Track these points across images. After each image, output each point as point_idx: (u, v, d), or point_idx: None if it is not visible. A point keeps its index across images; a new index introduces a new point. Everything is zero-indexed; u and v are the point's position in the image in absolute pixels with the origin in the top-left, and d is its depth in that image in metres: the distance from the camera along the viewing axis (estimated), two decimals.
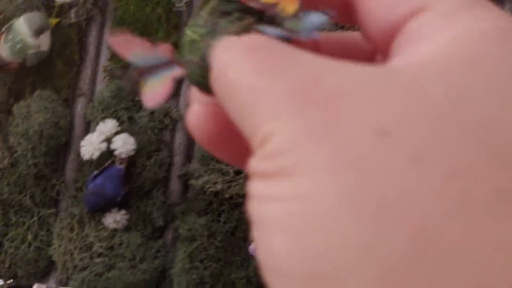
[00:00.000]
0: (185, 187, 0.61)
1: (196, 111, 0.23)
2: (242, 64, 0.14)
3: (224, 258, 0.57)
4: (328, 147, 0.12)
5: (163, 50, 0.27)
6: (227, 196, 0.57)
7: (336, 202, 0.11)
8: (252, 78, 0.14)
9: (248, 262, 0.57)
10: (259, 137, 0.13)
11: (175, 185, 0.61)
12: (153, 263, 0.58)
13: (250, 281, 0.58)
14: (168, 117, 0.61)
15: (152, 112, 0.61)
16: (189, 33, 0.30)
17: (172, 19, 0.62)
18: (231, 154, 0.24)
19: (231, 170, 0.58)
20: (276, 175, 0.13)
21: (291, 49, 0.15)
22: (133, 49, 0.29)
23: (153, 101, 0.25)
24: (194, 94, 0.22)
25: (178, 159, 0.61)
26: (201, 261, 0.56)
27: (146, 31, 0.62)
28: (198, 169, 0.59)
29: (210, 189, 0.57)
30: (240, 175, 0.58)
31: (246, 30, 0.18)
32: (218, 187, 0.57)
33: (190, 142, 0.62)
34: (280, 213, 0.12)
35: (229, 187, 0.57)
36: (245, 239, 0.58)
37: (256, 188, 0.13)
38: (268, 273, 0.13)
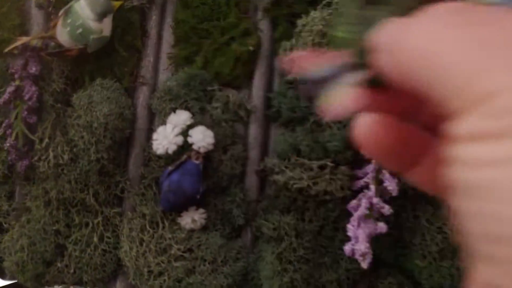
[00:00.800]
0: (262, 183, 0.57)
1: (367, 122, 0.22)
2: (437, 28, 0.15)
3: (313, 260, 0.54)
4: None
5: (338, 58, 0.24)
6: (313, 193, 0.54)
7: None
8: (454, 36, 0.14)
9: (338, 263, 0.54)
10: (474, 96, 0.13)
11: (251, 180, 0.57)
12: (236, 265, 0.54)
13: (340, 285, 0.55)
14: (243, 108, 0.57)
15: (226, 103, 0.57)
16: (338, 34, 0.27)
17: (242, 3, 0.58)
18: (399, 163, 0.22)
19: (314, 166, 0.54)
20: (499, 136, 0.13)
21: (488, 7, 0.15)
22: (310, 63, 0.25)
23: (338, 112, 0.22)
24: (358, 107, 0.20)
25: (254, 153, 0.57)
26: (291, 262, 0.53)
27: (213, 16, 0.58)
28: (278, 164, 0.55)
29: (295, 186, 0.54)
30: (325, 170, 0.54)
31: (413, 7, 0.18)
32: (304, 183, 0.53)
33: (265, 135, 0.58)
34: (506, 177, 0.12)
35: (315, 183, 0.54)
36: (333, 239, 0.55)
37: (467, 152, 0.13)
38: (488, 240, 0.13)
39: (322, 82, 0.24)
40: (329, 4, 0.56)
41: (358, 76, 0.22)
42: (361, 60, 0.22)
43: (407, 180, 0.25)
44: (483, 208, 0.13)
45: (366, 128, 0.22)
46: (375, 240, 0.54)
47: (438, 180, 0.22)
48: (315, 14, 0.55)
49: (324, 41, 0.54)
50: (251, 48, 0.56)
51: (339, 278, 0.54)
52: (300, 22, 0.56)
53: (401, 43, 0.17)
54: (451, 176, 0.15)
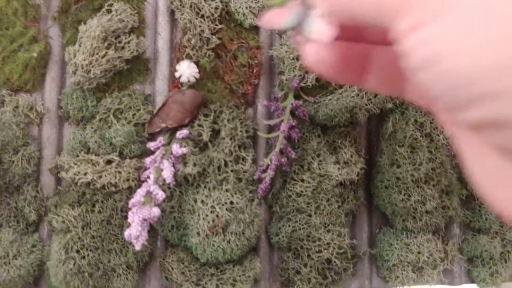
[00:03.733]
0: (58, 180, 0.61)
1: (314, 48, 0.29)
2: None
3: (102, 247, 0.58)
4: None
5: (299, 5, 0.36)
6: (99, 186, 0.58)
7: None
8: None
9: (127, 248, 0.59)
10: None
11: (47, 179, 0.61)
12: (29, 258, 0.58)
13: (130, 266, 0.60)
14: (34, 111, 0.61)
15: (16, 107, 0.60)
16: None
17: (29, 13, 0.61)
18: (351, 76, 0.30)
19: (101, 160, 0.59)
20: (433, 18, 0.18)
21: None
22: (282, 17, 0.37)
23: (324, 34, 0.31)
24: (301, 40, 0.27)
25: (47, 152, 0.61)
26: (78, 251, 0.57)
27: (2, 24, 0.61)
28: (67, 161, 0.59)
29: (80, 180, 0.58)
30: (112, 164, 0.59)
31: None
32: (89, 177, 0.58)
33: (60, 135, 0.62)
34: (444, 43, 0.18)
35: (100, 177, 0.59)
36: (121, 227, 0.59)
37: (412, 40, 0.19)
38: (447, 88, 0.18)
39: (297, 25, 0.35)
40: (108, 11, 0.61)
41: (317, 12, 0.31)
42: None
43: (366, 89, 0.33)
44: (438, 71, 0.18)
45: (315, 53, 0.28)
46: (161, 224, 0.60)
47: (388, 80, 0.29)
48: (93, 21, 0.59)
49: (102, 45, 0.59)
50: (34, 54, 0.60)
51: (128, 261, 0.59)
52: (81, 28, 0.60)
53: None
54: (406, 63, 0.20)
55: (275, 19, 0.34)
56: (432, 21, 0.18)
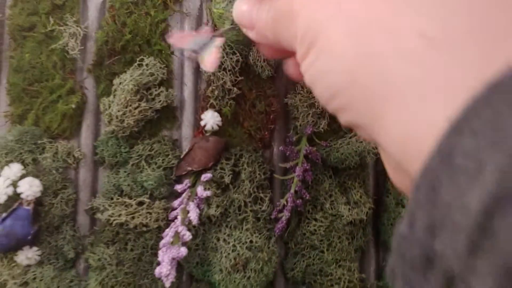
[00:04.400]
0: (93, 220, 0.67)
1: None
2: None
3: (134, 282, 0.64)
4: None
5: (206, 32, 0.50)
6: (131, 226, 0.64)
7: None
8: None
9: (156, 283, 0.65)
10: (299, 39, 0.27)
11: (83, 219, 0.67)
12: None
13: None
14: (72, 156, 0.67)
15: (55, 153, 0.66)
16: (215, 10, 0.55)
17: (67, 66, 0.67)
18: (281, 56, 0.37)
19: (133, 203, 0.65)
20: (307, 51, 0.26)
21: None
22: (186, 40, 0.51)
23: (211, 65, 0.46)
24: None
25: (83, 194, 0.67)
26: (112, 287, 0.63)
27: (43, 77, 0.67)
28: (103, 203, 0.65)
29: (115, 221, 0.64)
30: (143, 206, 0.65)
31: None
32: (123, 218, 0.64)
33: (94, 178, 0.68)
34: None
35: (133, 218, 0.64)
36: (152, 263, 0.65)
37: (305, 65, 0.27)
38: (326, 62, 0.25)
39: (198, 49, 0.52)
40: (140, 65, 0.67)
41: (219, 42, 0.44)
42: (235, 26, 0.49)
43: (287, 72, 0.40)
44: (315, 91, 0.27)
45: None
46: (186, 260, 0.66)
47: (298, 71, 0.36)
48: (126, 75, 0.65)
49: (135, 98, 0.65)
50: (73, 105, 0.66)
51: None
52: (115, 81, 0.66)
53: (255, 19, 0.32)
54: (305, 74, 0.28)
55: (182, 40, 0.47)
56: (306, 54, 0.26)
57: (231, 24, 0.60)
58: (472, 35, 0.20)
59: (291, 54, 0.34)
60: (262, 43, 0.35)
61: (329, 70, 0.24)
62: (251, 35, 0.34)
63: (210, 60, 0.44)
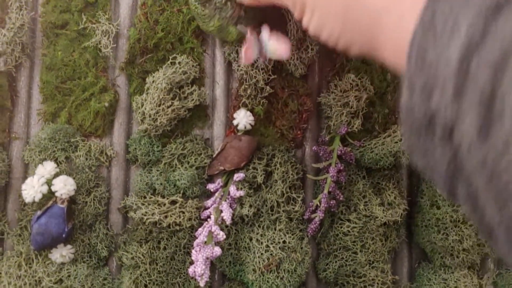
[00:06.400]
0: (125, 218, 0.67)
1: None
2: None
3: (167, 281, 0.64)
4: None
5: (250, 34, 0.54)
6: (165, 225, 0.64)
7: None
8: None
9: (189, 282, 0.65)
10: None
11: (115, 217, 0.67)
12: None
13: None
14: (104, 154, 0.66)
15: (88, 151, 0.66)
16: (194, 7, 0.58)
17: (99, 63, 0.67)
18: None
19: (166, 201, 0.65)
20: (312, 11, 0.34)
21: None
22: (250, 52, 0.53)
23: (286, 51, 0.53)
24: None
25: (116, 193, 0.67)
26: (146, 286, 0.63)
27: (75, 76, 0.66)
28: (136, 202, 0.65)
29: (148, 220, 0.64)
30: (176, 204, 0.65)
31: None
32: (156, 217, 0.64)
33: (126, 177, 0.68)
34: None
35: (166, 216, 0.64)
36: (184, 262, 0.65)
37: (305, 22, 0.36)
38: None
39: (259, 51, 0.58)
40: (173, 64, 0.66)
41: (266, 31, 0.51)
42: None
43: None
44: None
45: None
46: (219, 259, 0.66)
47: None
48: (159, 73, 0.65)
49: (168, 96, 0.64)
50: (106, 104, 0.65)
51: None
52: (148, 80, 0.66)
53: None
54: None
55: (247, 57, 0.53)
56: (302, 13, 0.35)
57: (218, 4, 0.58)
58: None
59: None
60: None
61: (325, 22, 0.31)
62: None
63: (276, 50, 0.51)
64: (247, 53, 0.50)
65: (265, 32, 0.48)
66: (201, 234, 0.63)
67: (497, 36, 0.19)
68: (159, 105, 0.64)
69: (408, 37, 0.24)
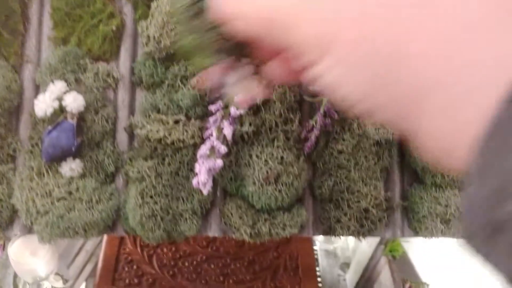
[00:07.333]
0: (131, 137, 0.71)
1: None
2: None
3: (171, 194, 0.67)
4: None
5: (244, 66, 0.42)
6: (169, 142, 0.68)
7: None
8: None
9: (192, 196, 0.68)
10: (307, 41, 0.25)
11: (122, 136, 0.70)
12: (108, 203, 0.67)
13: (195, 212, 0.69)
14: (111, 77, 0.70)
15: (96, 73, 0.69)
16: (187, 43, 0.44)
17: None
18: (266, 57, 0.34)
19: (170, 120, 0.68)
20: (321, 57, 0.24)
21: None
22: (212, 77, 0.43)
23: (246, 103, 0.39)
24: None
25: (122, 113, 0.70)
26: (151, 197, 0.66)
27: (84, 2, 0.70)
28: (141, 121, 0.69)
29: (153, 137, 0.67)
30: (179, 123, 0.68)
31: None
32: (161, 134, 0.67)
33: (132, 98, 0.71)
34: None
35: (170, 134, 0.68)
36: (188, 178, 0.69)
37: (319, 71, 0.25)
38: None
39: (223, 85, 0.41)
40: None
41: (241, 73, 0.35)
42: (226, 46, 0.35)
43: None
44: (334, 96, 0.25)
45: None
46: (220, 176, 0.69)
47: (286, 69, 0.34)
48: None
49: (171, 20, 0.68)
50: (113, 28, 0.69)
51: (193, 207, 0.68)
52: (153, 5, 0.69)
53: (245, 12, 0.28)
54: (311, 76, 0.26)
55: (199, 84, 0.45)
56: (320, 59, 0.24)
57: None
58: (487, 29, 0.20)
59: (272, 53, 0.33)
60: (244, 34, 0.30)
61: (351, 79, 0.24)
62: (238, 25, 0.29)
63: (241, 97, 0.38)
64: (201, 80, 0.38)
65: (241, 72, 0.37)
66: (204, 147, 0.66)
67: None
68: (163, 28, 0.68)
69: (470, 124, 0.20)
